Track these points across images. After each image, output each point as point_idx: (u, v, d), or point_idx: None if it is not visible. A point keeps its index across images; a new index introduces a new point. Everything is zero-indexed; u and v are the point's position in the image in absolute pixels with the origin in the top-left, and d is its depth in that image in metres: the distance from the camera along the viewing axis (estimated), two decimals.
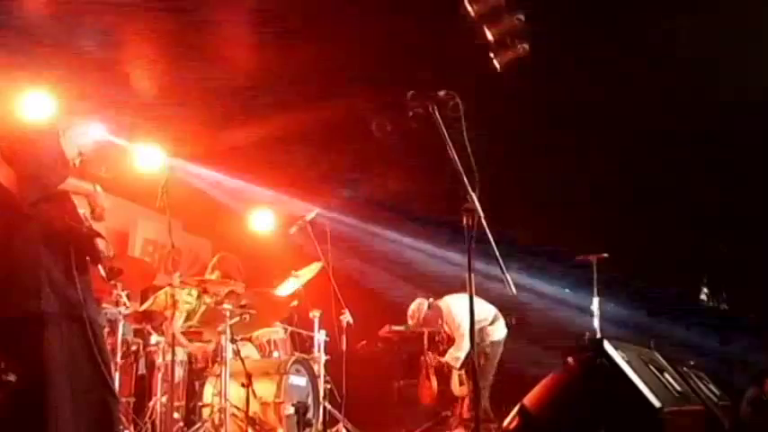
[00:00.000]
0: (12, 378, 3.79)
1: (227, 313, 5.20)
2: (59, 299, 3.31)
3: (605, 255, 6.49)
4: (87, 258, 3.56)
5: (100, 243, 3.60)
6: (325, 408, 5.87)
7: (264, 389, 5.25)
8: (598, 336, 6.21)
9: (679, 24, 5.56)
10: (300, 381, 5.58)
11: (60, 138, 3.65)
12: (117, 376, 4.91)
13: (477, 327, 6.24)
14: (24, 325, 3.26)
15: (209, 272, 5.92)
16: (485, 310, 6.53)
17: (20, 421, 3.18)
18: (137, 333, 5.49)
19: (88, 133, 3.84)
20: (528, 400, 3.28)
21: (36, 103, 5.73)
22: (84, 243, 3.51)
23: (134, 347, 5.38)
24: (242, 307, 5.60)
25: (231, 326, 5.23)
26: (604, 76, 6.17)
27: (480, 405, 6.32)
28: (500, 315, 6.62)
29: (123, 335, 5.13)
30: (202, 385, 5.40)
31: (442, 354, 6.65)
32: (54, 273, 3.34)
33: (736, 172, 7.34)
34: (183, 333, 5.55)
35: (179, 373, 5.25)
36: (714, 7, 5.39)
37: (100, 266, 3.62)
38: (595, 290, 6.46)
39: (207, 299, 5.72)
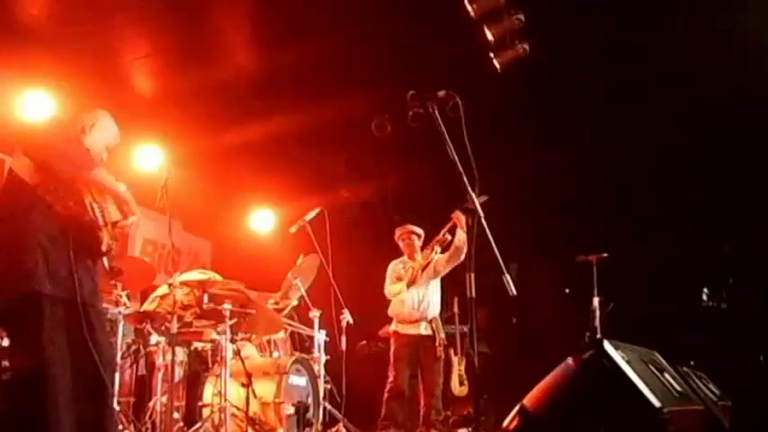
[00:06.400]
0: (6, 363, 3.85)
1: (227, 313, 5.20)
2: (55, 281, 3.37)
3: (605, 255, 6.50)
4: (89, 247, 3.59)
5: (103, 238, 3.62)
6: (325, 408, 5.87)
7: (264, 389, 5.25)
8: (598, 336, 6.21)
9: (681, 21, 5.56)
10: (300, 381, 5.59)
11: (87, 133, 3.73)
12: (117, 376, 4.90)
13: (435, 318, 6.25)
14: (23, 304, 3.32)
15: None
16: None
17: (21, 398, 3.22)
18: (137, 333, 5.49)
19: (112, 127, 3.88)
20: (528, 400, 3.28)
21: (35, 103, 5.76)
22: (85, 232, 3.54)
23: (134, 347, 5.38)
24: (242, 307, 5.60)
25: (231, 325, 5.23)
26: (604, 75, 6.17)
27: (436, 404, 6.26)
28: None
29: (123, 335, 5.13)
30: (202, 385, 5.40)
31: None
32: (52, 255, 3.39)
33: (739, 171, 7.34)
34: (183, 332, 5.53)
35: (179, 373, 5.25)
36: (715, 6, 5.39)
37: (105, 258, 3.65)
38: (595, 290, 6.47)
39: None
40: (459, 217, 5.77)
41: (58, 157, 3.50)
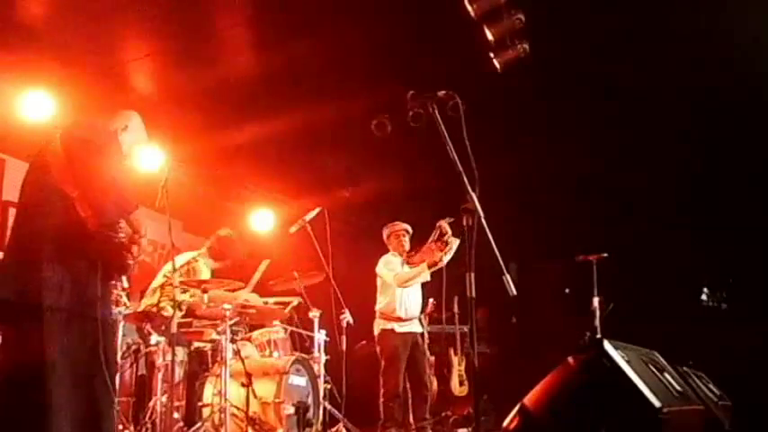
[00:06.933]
0: None
1: (227, 313, 5.21)
2: (78, 295, 3.32)
3: (605, 255, 6.50)
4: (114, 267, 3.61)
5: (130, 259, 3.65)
6: (325, 408, 5.87)
7: (264, 389, 5.26)
8: (598, 336, 6.22)
9: (682, 20, 5.56)
10: (300, 381, 5.59)
11: (119, 134, 3.70)
12: (117, 376, 4.91)
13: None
14: (33, 308, 3.24)
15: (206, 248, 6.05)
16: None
17: (15, 400, 3.20)
18: (137, 333, 5.50)
19: (142, 131, 3.87)
20: (528, 400, 3.28)
21: (35, 103, 5.76)
22: (114, 253, 3.54)
23: (134, 347, 5.38)
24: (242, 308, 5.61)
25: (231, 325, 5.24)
26: (605, 75, 6.17)
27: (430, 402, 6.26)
28: None
29: (123, 335, 5.13)
30: (202, 385, 5.41)
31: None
32: (78, 268, 3.34)
33: (740, 170, 7.34)
34: (183, 332, 5.54)
35: (179, 373, 5.25)
36: (718, 5, 5.38)
37: (124, 277, 3.67)
38: (595, 290, 6.48)
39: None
40: (443, 225, 6.06)
41: (124, 192, 3.47)
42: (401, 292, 6.23)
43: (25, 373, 3.20)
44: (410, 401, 6.24)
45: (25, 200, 3.50)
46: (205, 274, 5.87)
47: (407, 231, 6.46)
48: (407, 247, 6.42)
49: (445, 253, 6.08)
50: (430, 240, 6.22)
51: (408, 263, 6.33)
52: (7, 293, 3.29)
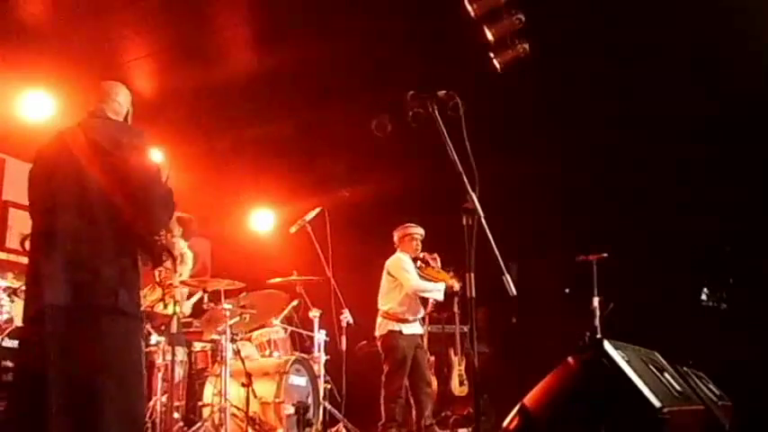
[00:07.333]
0: (8, 363, 3.82)
1: (227, 313, 5.21)
2: (128, 296, 3.35)
3: (605, 255, 6.50)
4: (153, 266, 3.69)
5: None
6: (325, 408, 5.87)
7: (264, 389, 5.26)
8: (598, 336, 6.21)
9: (683, 20, 5.56)
10: (300, 381, 5.59)
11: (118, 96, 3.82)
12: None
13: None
14: (90, 313, 3.27)
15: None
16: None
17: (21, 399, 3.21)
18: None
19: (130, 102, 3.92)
20: (528, 400, 3.28)
21: (35, 103, 5.77)
22: (154, 253, 3.57)
23: None
24: (243, 307, 5.61)
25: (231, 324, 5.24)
26: (605, 75, 6.17)
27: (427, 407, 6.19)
28: None
29: None
30: (202, 385, 5.41)
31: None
32: (125, 269, 3.37)
33: (740, 170, 7.33)
34: (184, 333, 5.54)
35: (179, 373, 5.25)
36: (720, 6, 5.39)
37: (156, 271, 3.68)
38: (595, 289, 6.47)
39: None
40: (434, 257, 6.25)
41: (165, 203, 3.56)
42: (412, 294, 6.21)
43: (80, 374, 3.19)
44: (413, 401, 6.21)
45: (65, 202, 3.42)
46: (189, 255, 5.90)
47: (422, 236, 6.42)
48: (419, 251, 6.39)
49: (461, 284, 6.09)
50: (436, 268, 6.24)
51: (422, 273, 6.30)
52: (61, 297, 3.25)
